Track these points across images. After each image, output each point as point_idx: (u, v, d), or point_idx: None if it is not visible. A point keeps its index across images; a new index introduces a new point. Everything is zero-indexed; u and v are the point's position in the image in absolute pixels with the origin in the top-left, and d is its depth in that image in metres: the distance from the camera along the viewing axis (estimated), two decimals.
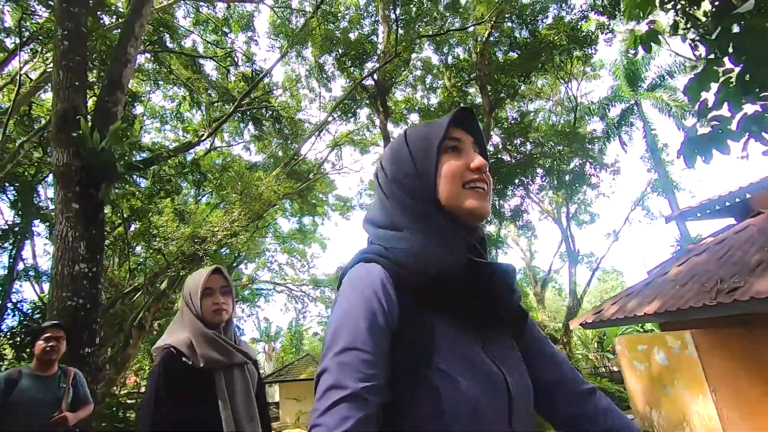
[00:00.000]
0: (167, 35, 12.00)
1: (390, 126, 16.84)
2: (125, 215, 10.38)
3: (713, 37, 3.93)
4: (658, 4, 5.42)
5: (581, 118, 17.45)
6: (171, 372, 1.53)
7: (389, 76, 13.40)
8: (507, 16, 11.83)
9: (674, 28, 5.39)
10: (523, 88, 13.28)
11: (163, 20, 10.74)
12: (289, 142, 17.04)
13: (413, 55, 15.35)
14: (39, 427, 2.61)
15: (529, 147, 15.05)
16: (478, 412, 0.63)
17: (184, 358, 1.60)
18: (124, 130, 5.18)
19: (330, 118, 16.29)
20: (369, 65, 13.95)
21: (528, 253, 22.76)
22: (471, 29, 12.15)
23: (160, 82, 14.60)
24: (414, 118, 16.56)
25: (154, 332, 9.76)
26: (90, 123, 4.70)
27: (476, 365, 0.67)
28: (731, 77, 3.94)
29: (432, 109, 14.73)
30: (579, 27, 12.07)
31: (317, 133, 16.41)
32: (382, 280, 0.68)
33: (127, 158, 5.22)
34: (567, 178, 15.08)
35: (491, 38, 11.92)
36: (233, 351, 1.73)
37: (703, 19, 5.15)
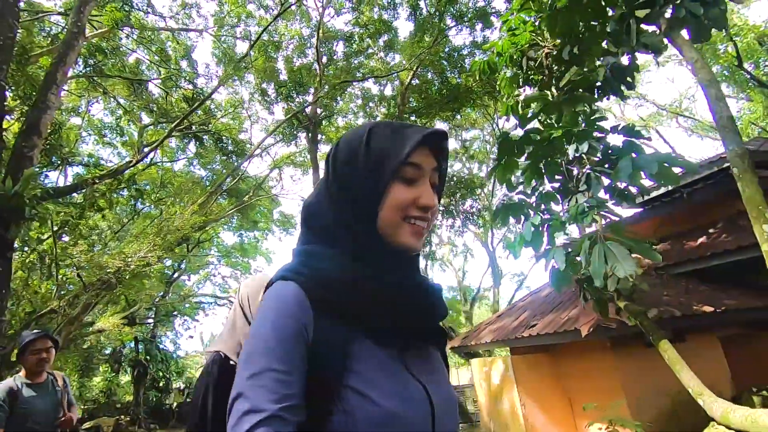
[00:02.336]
0: (108, 50, 12.36)
1: (327, 149, 17.86)
2: (55, 228, 10.57)
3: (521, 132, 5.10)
4: (521, 83, 6.60)
5: None
6: (218, 376, 1.48)
7: (324, 107, 14.36)
8: (427, 64, 13.16)
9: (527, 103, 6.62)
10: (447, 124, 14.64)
11: (99, 46, 11.09)
12: (233, 159, 17.54)
13: (356, 83, 16.54)
14: (45, 429, 2.81)
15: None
16: (395, 428, 0.63)
17: (231, 362, 1.55)
18: (36, 174, 5.70)
19: (271, 141, 17.06)
20: (309, 95, 14.91)
21: (461, 273, 24.23)
22: (395, 74, 13.38)
23: (97, 99, 14.77)
24: None
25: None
26: (5, 166, 5.25)
27: (396, 381, 0.67)
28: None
29: None
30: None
31: (259, 153, 17.06)
32: (297, 299, 0.68)
33: (40, 191, 5.74)
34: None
35: (413, 83, 13.20)
36: None
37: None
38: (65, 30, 7.48)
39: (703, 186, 5.88)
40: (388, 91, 17.65)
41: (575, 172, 4.48)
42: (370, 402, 0.63)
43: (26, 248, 10.32)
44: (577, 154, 4.23)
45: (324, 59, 16.41)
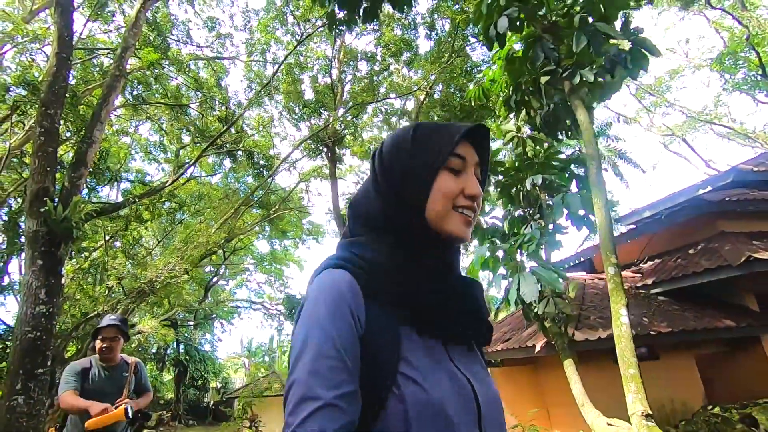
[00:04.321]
0: (153, 78, 13.80)
1: (356, 161, 18.83)
2: (107, 237, 12.03)
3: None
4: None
5: None
6: None
7: (345, 125, 15.19)
8: (446, 80, 13.65)
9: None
10: None
11: (143, 79, 12.45)
12: (264, 173, 18.77)
13: (380, 99, 17.37)
14: None
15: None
16: (446, 419, 0.63)
17: None
18: (84, 201, 6.76)
19: (299, 155, 18.14)
20: (330, 113, 15.82)
21: None
22: (411, 92, 13.98)
23: (143, 121, 16.40)
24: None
25: None
26: (58, 194, 6.31)
27: (443, 374, 0.67)
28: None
29: None
30: None
31: (287, 168, 18.19)
32: (350, 286, 0.68)
33: (87, 214, 6.80)
34: None
35: (427, 101, 13.74)
36: None
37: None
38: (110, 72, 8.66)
39: (683, 208, 6.05)
40: (410, 105, 18.34)
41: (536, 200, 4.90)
42: (421, 389, 0.63)
43: (82, 255, 11.78)
44: (536, 184, 4.66)
45: (348, 77, 17.35)
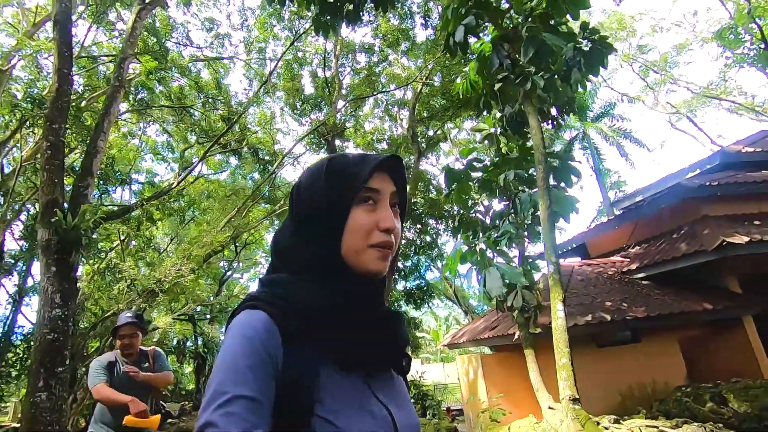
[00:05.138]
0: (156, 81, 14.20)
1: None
2: (122, 238, 12.62)
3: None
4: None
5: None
6: None
7: (345, 117, 15.39)
8: (441, 70, 13.69)
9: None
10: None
11: (146, 84, 12.80)
12: (270, 169, 19.16)
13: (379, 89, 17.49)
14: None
15: None
16: None
17: None
18: (93, 209, 7.16)
19: (302, 150, 18.44)
20: (329, 107, 16.01)
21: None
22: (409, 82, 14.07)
23: (149, 123, 16.86)
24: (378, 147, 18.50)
25: None
26: (67, 204, 6.70)
27: (363, 408, 0.69)
28: None
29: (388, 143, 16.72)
30: None
31: (291, 162, 18.53)
32: (266, 327, 0.67)
33: (96, 220, 7.22)
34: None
35: (426, 89, 13.82)
36: None
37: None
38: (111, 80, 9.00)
39: (665, 194, 6.13)
40: (410, 95, 18.40)
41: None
42: (338, 430, 0.64)
43: (99, 256, 12.36)
44: (509, 180, 4.84)
45: (348, 70, 17.44)
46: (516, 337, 5.03)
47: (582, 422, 2.87)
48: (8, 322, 12.24)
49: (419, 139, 13.81)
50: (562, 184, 4.77)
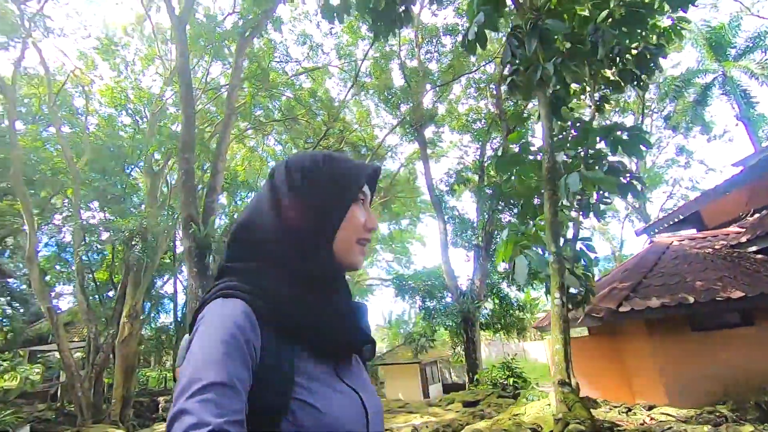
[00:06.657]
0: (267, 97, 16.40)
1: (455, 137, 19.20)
2: None
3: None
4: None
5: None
6: None
7: (438, 98, 15.68)
8: None
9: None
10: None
11: (260, 102, 14.82)
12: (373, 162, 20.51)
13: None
14: None
15: None
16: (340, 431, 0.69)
17: None
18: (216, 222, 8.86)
19: (398, 141, 19.24)
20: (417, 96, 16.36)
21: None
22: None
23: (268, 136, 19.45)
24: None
25: None
26: (200, 217, 8.44)
27: (337, 393, 0.73)
28: None
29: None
30: None
31: (389, 154, 19.54)
32: (245, 314, 0.69)
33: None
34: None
35: None
36: None
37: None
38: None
39: None
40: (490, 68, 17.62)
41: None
42: (317, 411, 0.68)
43: None
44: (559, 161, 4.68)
45: (434, 55, 17.50)
46: (579, 321, 4.85)
47: (569, 404, 2.83)
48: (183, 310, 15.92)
49: (506, 117, 13.31)
50: (633, 158, 4.44)
